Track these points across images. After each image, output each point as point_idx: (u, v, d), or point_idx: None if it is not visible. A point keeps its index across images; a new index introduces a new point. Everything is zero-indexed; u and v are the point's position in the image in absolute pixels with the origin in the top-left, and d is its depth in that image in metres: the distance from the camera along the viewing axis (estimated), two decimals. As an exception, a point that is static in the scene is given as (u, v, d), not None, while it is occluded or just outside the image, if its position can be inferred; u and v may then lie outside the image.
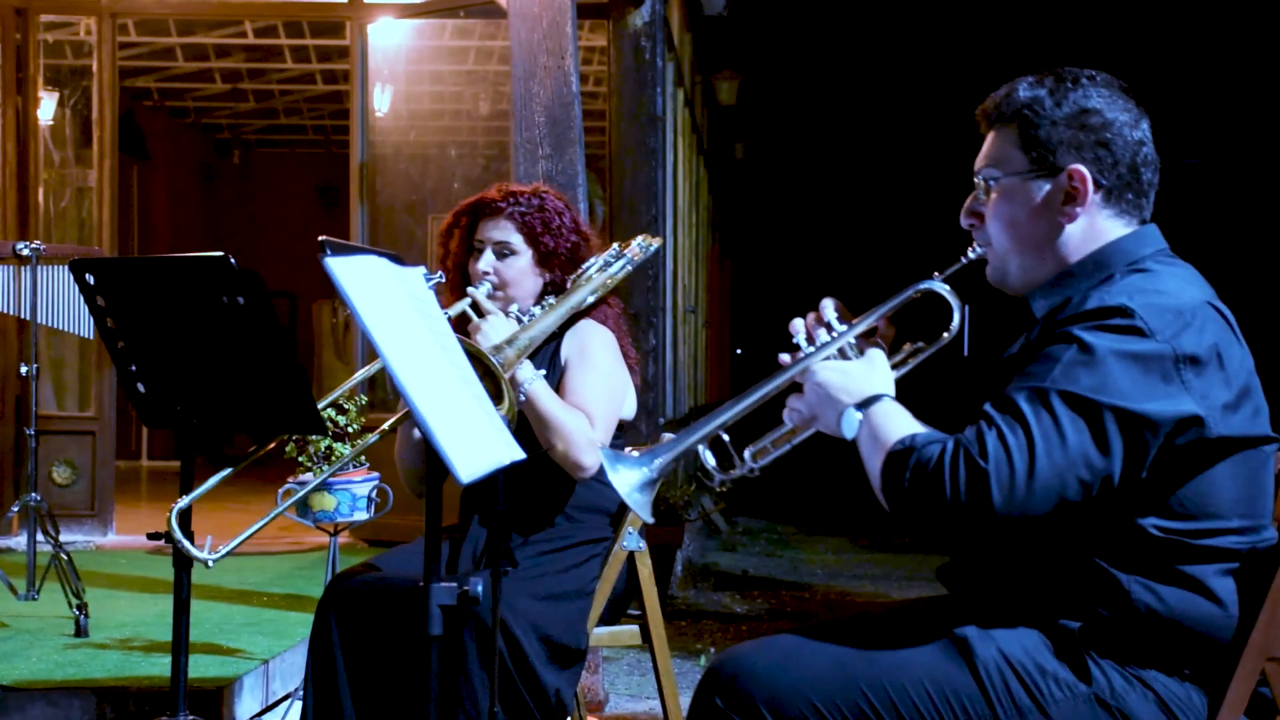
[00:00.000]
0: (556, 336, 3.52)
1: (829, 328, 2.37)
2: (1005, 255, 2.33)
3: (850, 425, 2.23)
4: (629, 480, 2.29)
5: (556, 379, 3.47)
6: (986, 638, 2.17)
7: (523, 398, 3.30)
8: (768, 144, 22.06)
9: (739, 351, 24.15)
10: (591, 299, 3.49)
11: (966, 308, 2.39)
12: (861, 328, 2.37)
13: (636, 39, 7.91)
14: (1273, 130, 20.09)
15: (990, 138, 2.35)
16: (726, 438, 2.36)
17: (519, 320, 3.44)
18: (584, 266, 3.55)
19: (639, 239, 3.62)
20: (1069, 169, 2.25)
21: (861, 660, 2.20)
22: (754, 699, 2.18)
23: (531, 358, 3.38)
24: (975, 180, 2.36)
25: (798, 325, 2.39)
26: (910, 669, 2.17)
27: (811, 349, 2.36)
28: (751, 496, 12.87)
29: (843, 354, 2.35)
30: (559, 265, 3.55)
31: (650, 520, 2.41)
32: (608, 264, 3.54)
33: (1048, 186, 2.27)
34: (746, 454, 2.39)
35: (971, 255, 2.37)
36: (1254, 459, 2.18)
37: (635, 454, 2.32)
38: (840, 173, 25.83)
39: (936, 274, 2.36)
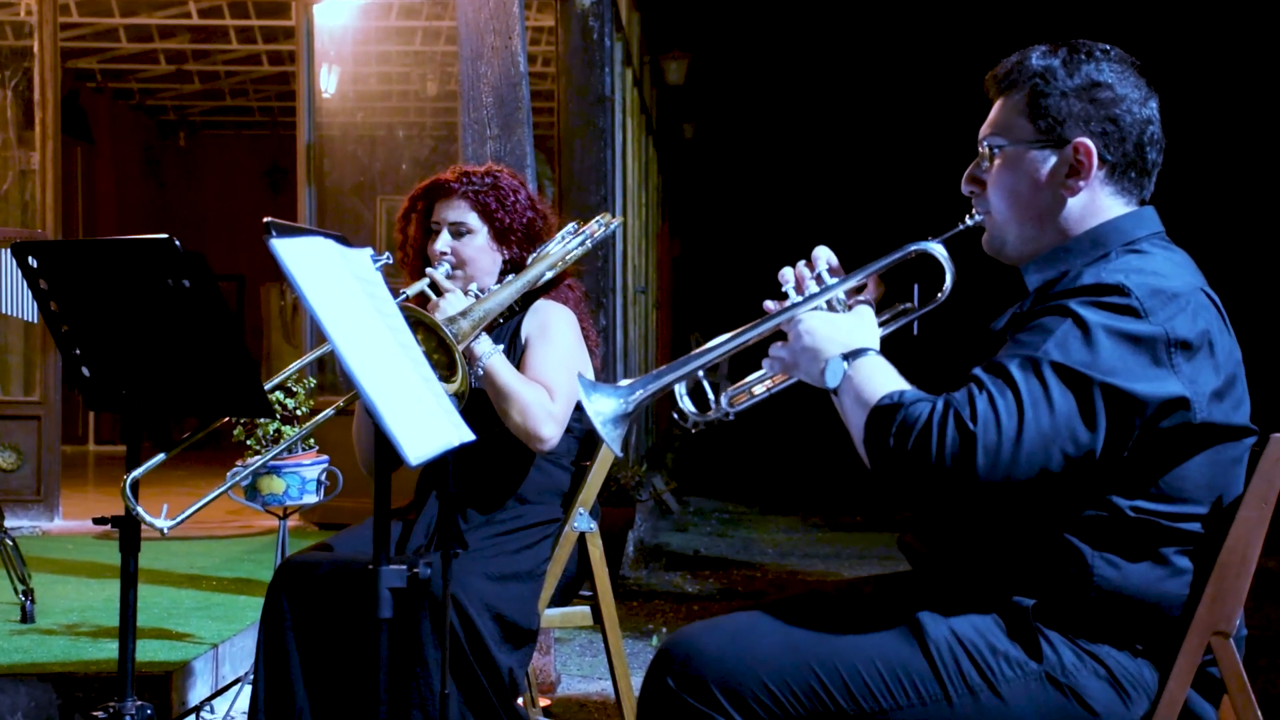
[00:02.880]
0: (517, 315, 3.53)
1: (819, 279, 2.35)
2: (1004, 224, 2.31)
3: (835, 375, 2.21)
4: (603, 410, 2.24)
5: (517, 357, 3.49)
6: (938, 617, 2.17)
7: (480, 371, 3.30)
8: (717, 124, 22.08)
9: (696, 337, 24.17)
10: (550, 274, 3.51)
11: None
12: (852, 282, 2.35)
13: (584, 19, 7.90)
14: (1219, 114, 20.28)
15: (998, 104, 2.32)
16: (705, 380, 2.34)
17: (477, 297, 3.44)
18: (544, 245, 3.57)
19: (598, 218, 3.66)
20: (1075, 142, 2.23)
21: (813, 640, 2.19)
22: (705, 679, 2.18)
23: (491, 334, 3.38)
24: (980, 147, 2.33)
25: (787, 274, 2.37)
26: (862, 648, 2.17)
27: (799, 298, 2.34)
28: (703, 476, 12.90)
29: (830, 306, 2.33)
30: (516, 242, 3.56)
31: (619, 454, 2.37)
32: (565, 240, 3.57)
33: (1053, 158, 2.25)
34: (723, 398, 2.38)
35: (970, 222, 2.34)
36: (1232, 450, 2.18)
37: (619, 384, 2.27)
38: (790, 153, 25.89)
39: (931, 237, 2.33)
